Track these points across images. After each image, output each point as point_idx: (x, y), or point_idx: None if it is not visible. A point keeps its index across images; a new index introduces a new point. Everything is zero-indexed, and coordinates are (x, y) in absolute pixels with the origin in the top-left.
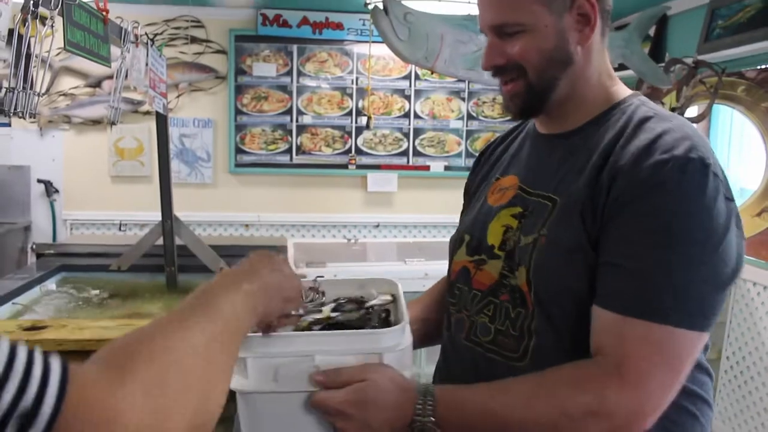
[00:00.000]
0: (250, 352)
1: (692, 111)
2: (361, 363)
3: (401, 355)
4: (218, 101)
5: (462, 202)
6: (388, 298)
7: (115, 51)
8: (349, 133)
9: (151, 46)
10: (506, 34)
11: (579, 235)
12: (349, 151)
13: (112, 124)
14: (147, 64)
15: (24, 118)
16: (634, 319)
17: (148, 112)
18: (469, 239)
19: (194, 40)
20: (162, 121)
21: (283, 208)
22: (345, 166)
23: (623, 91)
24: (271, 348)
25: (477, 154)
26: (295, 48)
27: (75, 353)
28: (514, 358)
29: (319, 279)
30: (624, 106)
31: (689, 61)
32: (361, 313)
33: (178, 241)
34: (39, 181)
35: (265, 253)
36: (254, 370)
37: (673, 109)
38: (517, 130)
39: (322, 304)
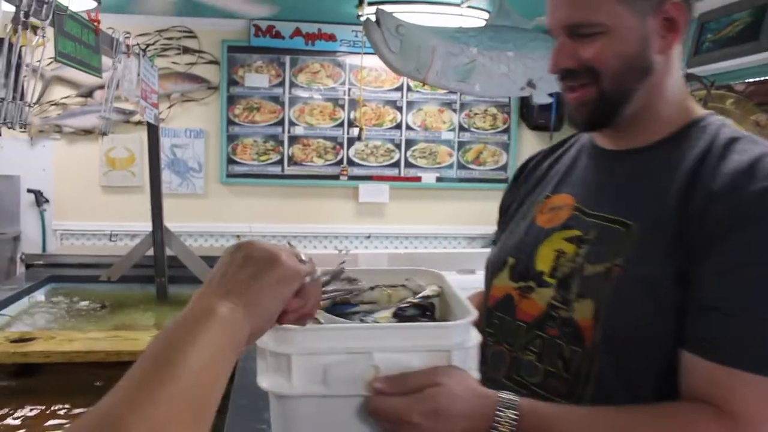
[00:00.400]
0: (294, 348)
1: None
2: (426, 363)
3: (467, 355)
4: (210, 112)
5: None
6: (435, 289)
7: (107, 61)
8: (341, 144)
9: (143, 56)
10: (581, 35)
11: (665, 269)
12: (340, 162)
13: (104, 134)
14: (138, 75)
15: (14, 129)
16: (745, 372)
17: (139, 123)
18: (513, 263)
19: (187, 50)
20: (153, 132)
21: (274, 218)
22: (336, 177)
23: (698, 107)
24: (320, 343)
25: (468, 165)
26: (287, 59)
27: (63, 365)
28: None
29: (345, 267)
30: (703, 125)
31: None
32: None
33: (168, 251)
34: (29, 190)
35: (245, 245)
36: (299, 370)
37: None
38: (566, 144)
39: (358, 296)
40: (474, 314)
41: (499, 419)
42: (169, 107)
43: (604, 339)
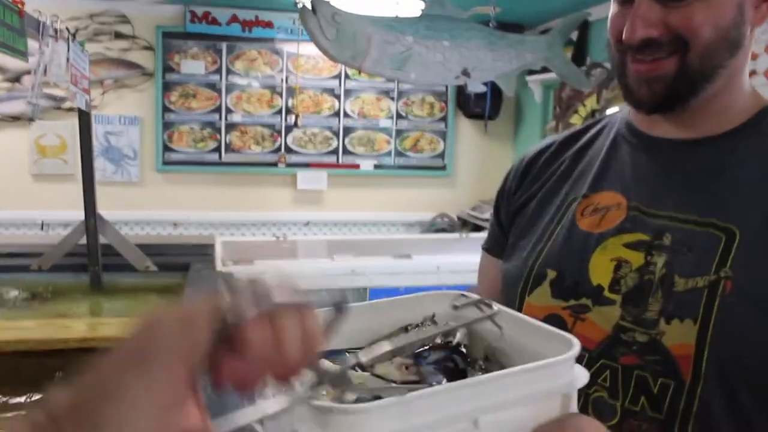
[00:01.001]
0: None
1: (612, 113)
2: (536, 417)
3: (575, 398)
4: (145, 99)
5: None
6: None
7: (34, 45)
8: (279, 132)
9: (73, 40)
10: (672, 0)
11: None
12: (278, 149)
13: (31, 120)
14: (68, 60)
15: None
16: None
17: (71, 109)
18: (555, 276)
19: (120, 35)
20: (85, 118)
21: (212, 206)
22: (275, 165)
23: (761, 94)
24: (405, 420)
25: (406, 153)
26: (224, 46)
27: None
28: None
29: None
30: None
31: (609, 65)
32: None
33: (102, 240)
34: None
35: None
36: None
37: (593, 112)
38: (589, 133)
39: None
40: (576, 342)
41: None
42: (103, 94)
43: (711, 370)
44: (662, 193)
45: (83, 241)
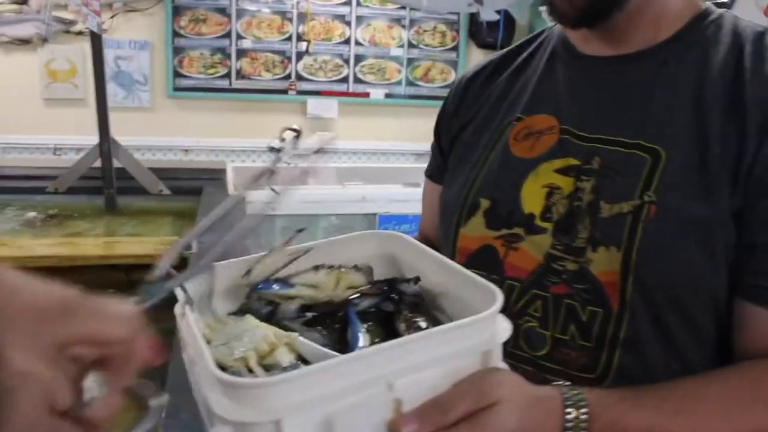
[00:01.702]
0: (282, 405)
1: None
2: (453, 376)
3: (499, 351)
4: (155, 23)
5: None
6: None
7: None
8: (289, 59)
9: None
10: None
11: (714, 204)
12: (289, 76)
13: (45, 41)
14: None
15: None
16: None
17: (80, 33)
18: (489, 205)
19: None
20: (96, 41)
21: (222, 132)
22: (285, 92)
23: None
24: (315, 389)
25: (417, 82)
26: None
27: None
28: (588, 379)
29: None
30: (714, 18)
31: None
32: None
33: (116, 163)
34: None
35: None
36: None
37: None
38: (525, 52)
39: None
40: (500, 295)
41: (570, 424)
42: (112, 17)
43: (638, 296)
44: (593, 114)
45: (97, 164)
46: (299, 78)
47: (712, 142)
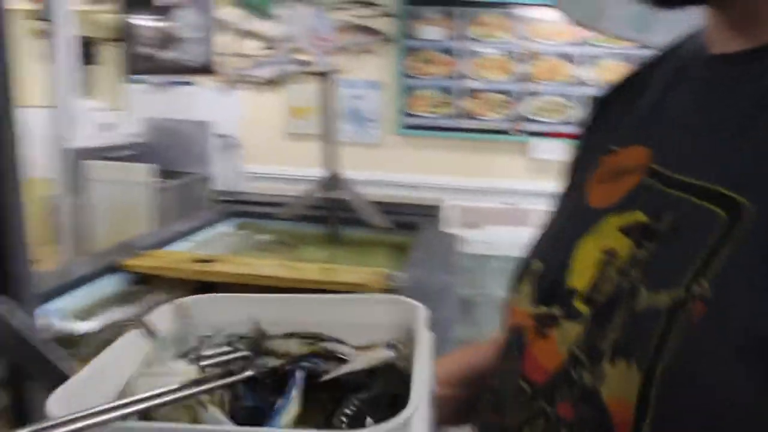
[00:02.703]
0: None
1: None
2: None
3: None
4: (386, 64)
5: None
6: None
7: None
8: (514, 99)
9: (317, 6)
10: None
11: None
12: (513, 116)
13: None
14: (312, 25)
15: (199, 73)
16: None
17: (319, 73)
18: (540, 269)
19: (363, 3)
20: (327, 81)
21: (443, 170)
22: (509, 132)
23: None
24: None
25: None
26: (462, 11)
27: (236, 286)
28: None
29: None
30: None
31: None
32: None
33: (341, 196)
34: (219, 135)
35: None
36: None
37: None
38: (664, 59)
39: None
40: (412, 407)
41: None
42: (346, 59)
43: None
44: (691, 143)
45: (324, 195)
46: (524, 119)
47: None
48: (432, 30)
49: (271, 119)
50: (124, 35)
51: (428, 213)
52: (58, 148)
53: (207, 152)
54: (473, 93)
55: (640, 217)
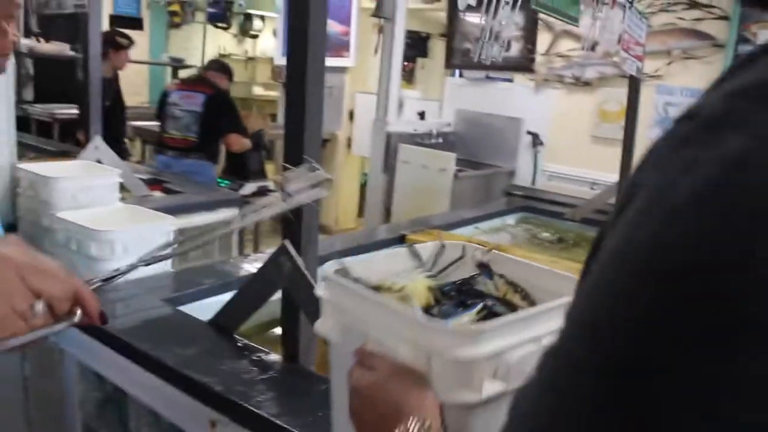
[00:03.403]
0: (482, 350)
1: None
2: None
3: None
4: (712, 71)
5: None
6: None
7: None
8: None
9: (629, 8)
10: None
11: None
12: None
13: (588, 85)
14: (627, 28)
15: (518, 70)
16: None
17: (631, 77)
18: None
19: (695, 5)
20: (634, 84)
21: None
22: None
23: None
24: (509, 338)
25: None
26: None
27: None
28: None
29: None
30: None
31: None
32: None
33: None
34: (528, 132)
35: None
36: (488, 373)
37: None
38: None
39: None
40: None
41: None
42: (668, 64)
43: None
44: None
45: (613, 200)
46: None
47: None
48: None
49: (580, 121)
50: (449, 31)
51: None
52: (379, 131)
53: (516, 148)
54: None
55: None
